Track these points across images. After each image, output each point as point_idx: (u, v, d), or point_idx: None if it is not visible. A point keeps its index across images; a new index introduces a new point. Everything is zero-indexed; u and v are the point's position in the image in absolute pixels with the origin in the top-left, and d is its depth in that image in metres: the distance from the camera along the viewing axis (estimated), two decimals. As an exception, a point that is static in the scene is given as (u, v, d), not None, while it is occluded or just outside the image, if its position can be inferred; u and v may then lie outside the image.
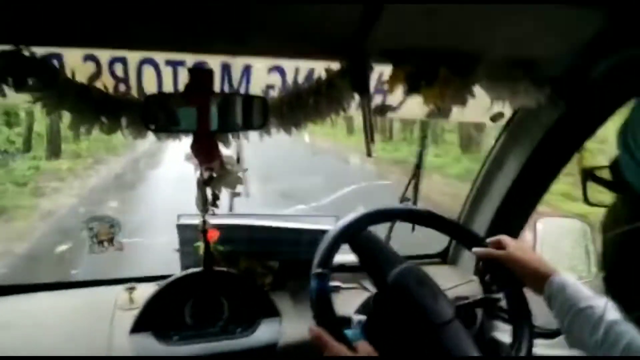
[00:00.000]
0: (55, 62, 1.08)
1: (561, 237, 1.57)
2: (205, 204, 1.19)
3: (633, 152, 0.42)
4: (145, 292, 1.38)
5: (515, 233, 1.55)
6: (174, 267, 1.57)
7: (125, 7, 0.90)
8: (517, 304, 1.07)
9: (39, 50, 1.04)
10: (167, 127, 1.10)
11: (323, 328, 0.83)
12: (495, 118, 1.45)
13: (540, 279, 1.00)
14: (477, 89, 1.32)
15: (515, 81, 1.15)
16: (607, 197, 0.52)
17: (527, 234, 1.67)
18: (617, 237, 0.47)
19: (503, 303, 1.13)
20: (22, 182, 7.85)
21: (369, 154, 1.16)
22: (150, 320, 1.29)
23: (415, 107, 1.39)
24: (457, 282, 1.60)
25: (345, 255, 1.69)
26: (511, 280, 1.07)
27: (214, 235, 1.54)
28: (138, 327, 1.27)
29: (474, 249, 1.12)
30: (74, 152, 10.29)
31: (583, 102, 1.22)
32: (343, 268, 1.65)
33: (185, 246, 1.57)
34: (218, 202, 1.22)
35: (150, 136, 1.12)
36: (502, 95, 1.17)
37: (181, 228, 1.56)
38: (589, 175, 0.52)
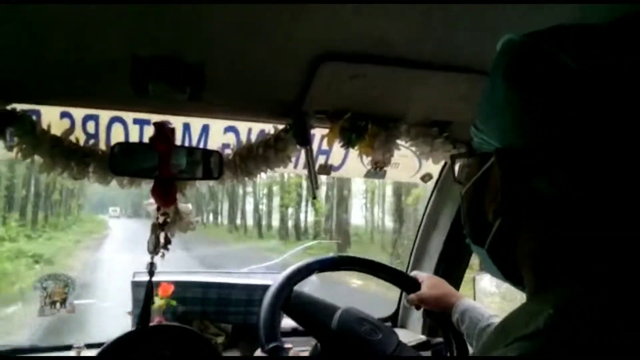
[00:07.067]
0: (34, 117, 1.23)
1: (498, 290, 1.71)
2: (157, 246, 1.27)
3: (476, 126, 0.59)
4: None
5: (455, 285, 1.67)
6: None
7: (96, 71, 1.08)
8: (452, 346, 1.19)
9: (20, 106, 1.19)
10: (131, 172, 1.23)
11: None
12: (424, 178, 1.66)
13: (449, 306, 1.17)
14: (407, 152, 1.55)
15: (433, 138, 1.37)
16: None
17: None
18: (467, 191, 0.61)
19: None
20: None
21: (313, 197, 1.32)
22: None
23: (354, 167, 1.59)
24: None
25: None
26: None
27: (168, 289, 1.58)
28: None
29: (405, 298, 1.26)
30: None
31: None
32: (296, 332, 1.69)
33: (138, 307, 1.59)
34: (169, 246, 1.30)
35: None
36: (424, 150, 1.39)
37: (135, 285, 1.59)
38: (453, 158, 0.70)
